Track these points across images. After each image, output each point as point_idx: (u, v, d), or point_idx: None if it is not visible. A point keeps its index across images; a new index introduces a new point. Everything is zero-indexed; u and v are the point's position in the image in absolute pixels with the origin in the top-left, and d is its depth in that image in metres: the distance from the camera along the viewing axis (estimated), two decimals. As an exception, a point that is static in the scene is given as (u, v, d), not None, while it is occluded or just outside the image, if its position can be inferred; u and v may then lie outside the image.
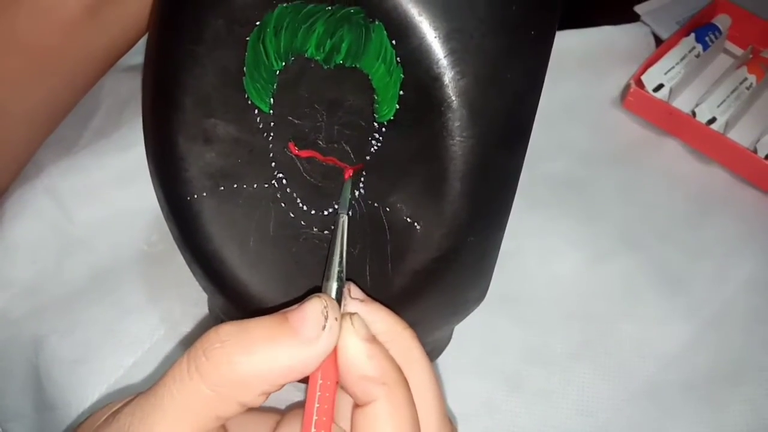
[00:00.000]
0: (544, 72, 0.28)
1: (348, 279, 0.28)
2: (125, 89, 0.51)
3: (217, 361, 0.22)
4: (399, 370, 0.25)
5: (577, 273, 0.47)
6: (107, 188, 0.47)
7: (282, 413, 0.29)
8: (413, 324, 0.27)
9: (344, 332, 0.24)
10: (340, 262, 0.27)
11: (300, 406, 0.27)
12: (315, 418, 0.24)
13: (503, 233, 0.30)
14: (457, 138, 0.27)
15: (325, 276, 0.27)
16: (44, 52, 0.42)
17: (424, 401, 0.25)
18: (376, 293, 0.29)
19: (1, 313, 0.44)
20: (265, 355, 0.23)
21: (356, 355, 0.24)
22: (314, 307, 0.24)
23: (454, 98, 0.26)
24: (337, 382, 0.25)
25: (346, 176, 0.30)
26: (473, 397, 0.42)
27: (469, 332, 0.40)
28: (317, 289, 0.26)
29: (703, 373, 0.43)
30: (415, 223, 0.29)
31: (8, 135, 0.44)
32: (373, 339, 0.25)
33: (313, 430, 0.23)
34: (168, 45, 0.30)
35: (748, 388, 0.42)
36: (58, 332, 0.43)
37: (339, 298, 0.26)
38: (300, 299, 0.24)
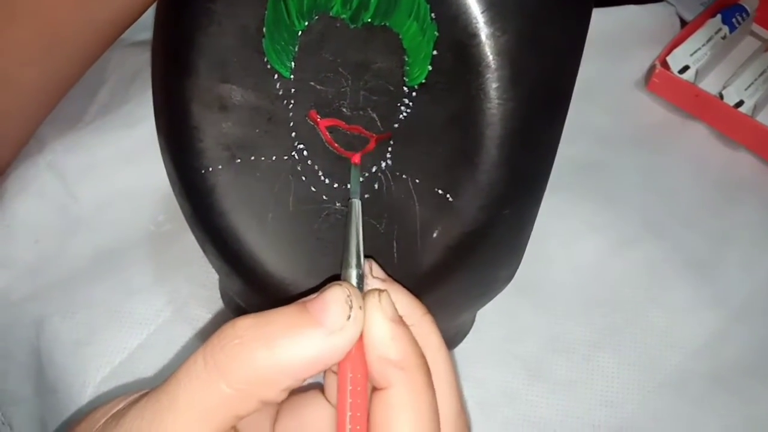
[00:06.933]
0: (585, 33, 0.26)
1: (369, 256, 0.26)
2: (131, 64, 0.50)
3: (237, 357, 0.21)
4: (421, 355, 0.23)
5: (599, 259, 0.45)
6: (113, 166, 0.46)
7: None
8: (441, 304, 0.25)
9: (370, 309, 0.23)
10: (358, 248, 0.25)
11: (294, 392, 0.26)
12: (349, 413, 0.22)
13: (539, 207, 0.28)
14: (496, 101, 0.25)
15: (343, 263, 0.25)
16: (52, 22, 0.41)
17: (441, 391, 0.24)
18: (403, 271, 0.27)
19: (2, 294, 0.43)
20: (289, 348, 0.21)
21: (379, 335, 0.23)
22: (337, 295, 0.22)
23: (492, 57, 0.24)
24: (368, 374, 0.23)
25: (355, 160, 0.28)
26: (492, 386, 0.40)
27: (488, 318, 0.39)
28: (336, 277, 0.25)
29: (731, 363, 0.42)
30: (448, 195, 0.27)
31: (13, 107, 0.43)
32: (399, 320, 0.23)
33: (348, 426, 0.22)
34: (181, 2, 0.28)
35: (780, 380, 0.41)
36: (61, 313, 0.42)
37: (360, 286, 0.25)
38: (317, 289, 0.23)
